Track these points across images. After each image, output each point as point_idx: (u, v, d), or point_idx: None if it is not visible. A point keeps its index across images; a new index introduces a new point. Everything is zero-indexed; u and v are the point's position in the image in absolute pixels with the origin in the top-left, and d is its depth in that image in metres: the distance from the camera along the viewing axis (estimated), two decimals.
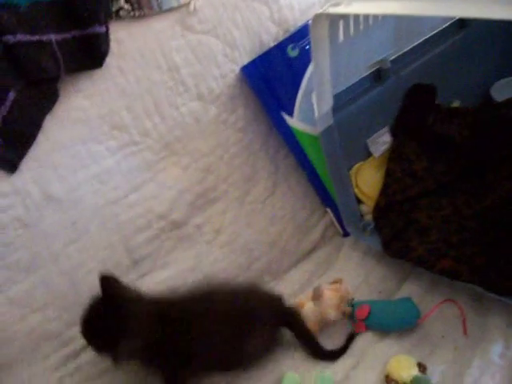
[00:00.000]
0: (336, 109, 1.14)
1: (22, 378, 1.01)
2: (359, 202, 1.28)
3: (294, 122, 1.24)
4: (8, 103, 0.96)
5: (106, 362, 1.02)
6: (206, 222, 1.22)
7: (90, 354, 1.04)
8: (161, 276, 1.16)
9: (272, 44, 1.25)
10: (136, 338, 0.90)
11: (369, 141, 1.28)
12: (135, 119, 1.12)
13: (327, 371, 0.99)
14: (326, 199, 1.35)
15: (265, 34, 1.26)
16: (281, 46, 1.21)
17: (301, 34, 1.22)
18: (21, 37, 0.94)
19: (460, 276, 1.01)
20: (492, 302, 1.00)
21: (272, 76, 1.22)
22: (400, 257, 1.12)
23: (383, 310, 1.07)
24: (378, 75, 1.25)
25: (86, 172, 1.08)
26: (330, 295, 1.09)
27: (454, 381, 0.91)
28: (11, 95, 0.96)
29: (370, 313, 1.05)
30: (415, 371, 0.92)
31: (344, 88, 1.20)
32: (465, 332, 1.00)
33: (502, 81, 1.42)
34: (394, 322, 1.05)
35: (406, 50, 1.27)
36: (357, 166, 1.28)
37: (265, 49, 1.23)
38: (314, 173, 1.30)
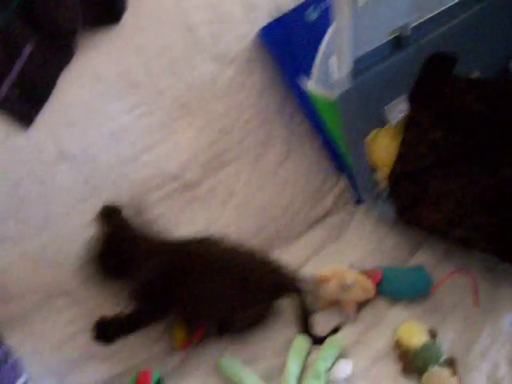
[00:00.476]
0: (354, 74, 1.12)
1: (35, 332, 1.02)
2: (374, 169, 1.27)
3: (312, 85, 1.22)
4: (24, 57, 0.96)
5: None
6: (219, 184, 1.22)
7: (104, 312, 1.04)
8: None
9: (292, 6, 1.22)
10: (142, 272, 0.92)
11: (386, 108, 1.26)
12: (151, 78, 1.11)
13: (338, 335, 1.00)
14: (340, 166, 1.34)
15: None
16: (300, 9, 1.19)
17: None
18: None
19: (474, 245, 1.00)
20: (504, 272, 1.00)
21: (290, 39, 1.20)
22: (414, 224, 1.11)
23: (396, 277, 1.07)
24: (398, 42, 1.23)
25: (101, 129, 1.08)
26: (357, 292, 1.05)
27: (464, 349, 0.91)
28: (27, 49, 0.95)
29: (382, 278, 1.06)
30: (425, 338, 0.92)
31: (363, 53, 1.17)
32: (476, 303, 1.00)
33: None
34: (406, 289, 1.05)
35: (426, 17, 1.25)
36: (373, 132, 1.26)
37: (285, 10, 1.21)
38: (329, 139, 1.29)
